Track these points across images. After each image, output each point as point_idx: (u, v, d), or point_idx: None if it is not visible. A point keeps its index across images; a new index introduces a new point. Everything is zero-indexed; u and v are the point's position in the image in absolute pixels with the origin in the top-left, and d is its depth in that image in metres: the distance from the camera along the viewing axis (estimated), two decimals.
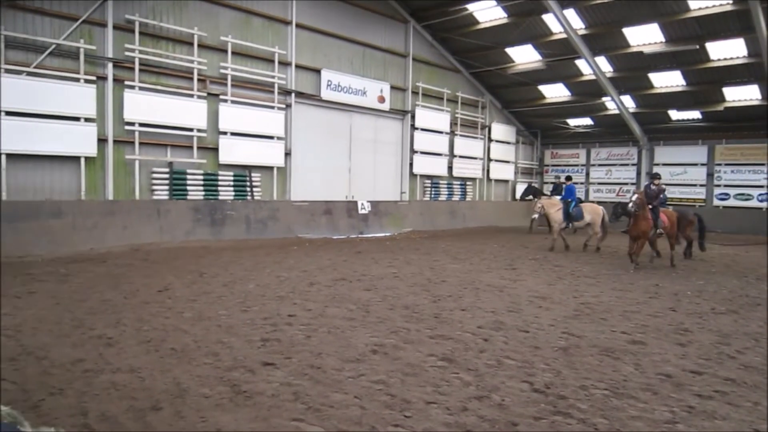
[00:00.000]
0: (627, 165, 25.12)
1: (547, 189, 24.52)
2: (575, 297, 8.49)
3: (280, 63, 16.32)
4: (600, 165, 25.93)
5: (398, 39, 20.21)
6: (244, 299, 7.80)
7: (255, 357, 5.18)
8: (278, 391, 4.33)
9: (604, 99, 22.10)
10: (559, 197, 16.54)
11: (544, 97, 24.06)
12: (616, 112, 21.97)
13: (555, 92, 23.55)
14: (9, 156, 11.76)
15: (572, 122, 25.68)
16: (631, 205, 11.71)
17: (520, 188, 25.49)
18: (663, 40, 18.22)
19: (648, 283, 9.90)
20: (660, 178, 12.57)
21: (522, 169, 27.00)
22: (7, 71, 11.68)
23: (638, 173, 24.50)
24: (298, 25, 16.75)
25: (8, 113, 11.65)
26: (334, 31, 17.86)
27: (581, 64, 20.45)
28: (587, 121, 25.17)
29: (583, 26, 18.53)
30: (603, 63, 20.05)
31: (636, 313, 7.50)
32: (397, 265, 11.51)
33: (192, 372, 4.73)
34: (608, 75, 20.22)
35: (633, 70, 20.39)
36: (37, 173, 12.33)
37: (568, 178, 16.83)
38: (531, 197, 20.43)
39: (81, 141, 12.71)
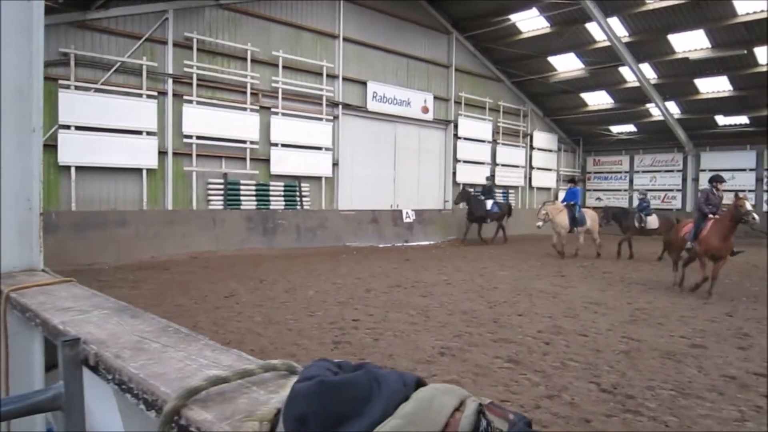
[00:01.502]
0: (672, 171, 24.79)
1: (538, 199, 24.48)
2: (629, 303, 8.61)
3: (328, 76, 16.82)
4: (644, 172, 25.65)
5: (441, 50, 20.54)
6: (308, 305, 8.18)
7: (330, 358, 5.51)
8: None
9: (648, 105, 21.97)
10: (562, 202, 15.90)
11: (586, 105, 24.02)
12: (661, 118, 21.81)
13: (597, 100, 23.50)
14: (78, 168, 12.49)
15: (615, 129, 25.51)
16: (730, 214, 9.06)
17: (563, 195, 25.42)
18: (709, 45, 18.09)
19: (701, 290, 9.90)
20: (724, 182, 10.11)
21: (564, 177, 26.90)
22: (77, 88, 12.43)
23: (683, 179, 24.18)
24: (345, 39, 17.25)
25: (78, 128, 12.39)
26: (380, 44, 18.31)
27: (625, 71, 20.41)
28: (630, 127, 24.97)
29: (627, 34, 18.53)
30: (647, 70, 19.95)
31: (693, 318, 7.59)
32: (447, 273, 11.76)
33: None
34: (652, 81, 20.12)
35: (678, 77, 20.22)
36: (104, 185, 13.04)
37: (572, 181, 16.70)
38: (464, 204, 18.39)
39: (143, 153, 13.39)
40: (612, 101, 23.14)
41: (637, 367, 5.33)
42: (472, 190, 19.28)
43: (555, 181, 26.21)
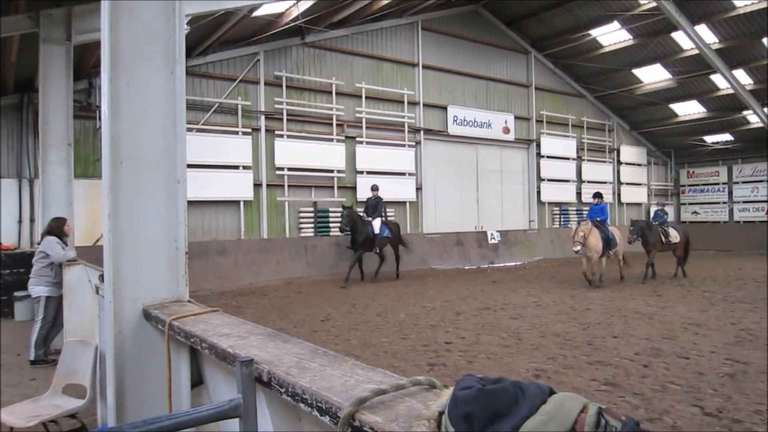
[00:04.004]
0: None
1: (628, 215, 23.17)
2: (733, 323, 8.24)
3: (409, 103, 17.30)
4: (744, 182, 24.17)
5: (520, 70, 20.55)
6: (400, 327, 8.45)
7: None
8: None
9: (745, 113, 20.83)
10: (591, 219, 13.19)
11: (676, 116, 23.08)
12: (760, 125, 20.58)
13: (688, 110, 22.53)
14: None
15: (709, 139, 24.27)
16: None
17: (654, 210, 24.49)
18: None
19: None
20: None
21: (656, 191, 25.85)
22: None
23: None
24: (424, 66, 17.69)
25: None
26: (458, 68, 18.62)
27: (717, 78, 19.51)
28: (726, 137, 23.68)
29: (717, 40, 17.77)
30: (742, 76, 18.98)
31: None
32: (536, 294, 11.69)
33: None
34: (748, 88, 19.10)
35: None
36: (205, 216, 14.03)
37: (597, 196, 13.83)
38: (348, 229, 14.00)
39: (240, 186, 14.33)
40: (704, 110, 22.12)
41: (744, 390, 5.17)
42: (360, 210, 14.84)
43: (646, 196, 25.24)
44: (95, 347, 3.94)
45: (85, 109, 12.07)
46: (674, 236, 13.80)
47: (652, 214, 17.40)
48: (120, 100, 2.69)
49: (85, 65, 11.47)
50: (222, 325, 2.30)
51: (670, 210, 26.03)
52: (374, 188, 14.59)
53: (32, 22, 7.88)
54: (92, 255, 8.52)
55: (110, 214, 2.66)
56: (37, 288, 7.02)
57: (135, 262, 2.72)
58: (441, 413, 1.01)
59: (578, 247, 12.37)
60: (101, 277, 4.72)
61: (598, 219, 13.11)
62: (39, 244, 7.49)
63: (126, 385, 2.63)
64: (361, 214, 14.38)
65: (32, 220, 12.00)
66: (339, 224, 14.10)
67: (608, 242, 12.79)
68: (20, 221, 12.03)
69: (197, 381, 2.86)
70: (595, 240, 12.54)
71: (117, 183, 2.65)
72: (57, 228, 7.30)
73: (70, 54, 8.22)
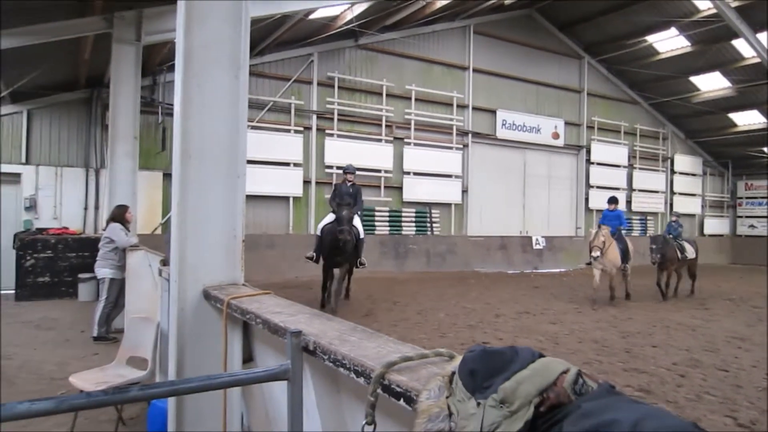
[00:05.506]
0: None
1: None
2: None
3: (458, 106, 17.42)
4: None
5: (572, 75, 20.35)
6: (439, 326, 8.65)
7: None
8: None
9: None
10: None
11: (735, 125, 22.35)
12: None
13: (748, 120, 21.77)
14: None
15: None
16: None
17: (711, 223, 23.95)
18: None
19: None
20: None
21: (711, 203, 25.08)
22: None
23: None
24: (474, 70, 17.77)
25: None
26: (508, 73, 18.60)
27: None
28: None
29: None
30: None
31: None
32: (578, 301, 11.66)
33: None
34: None
35: None
36: (257, 211, 14.54)
37: (613, 201, 12.49)
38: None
39: (290, 183, 14.80)
40: (765, 121, 21.34)
41: None
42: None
43: (700, 207, 24.52)
44: (157, 324, 4.32)
45: (149, 105, 12.75)
46: (690, 251, 12.62)
47: (665, 227, 14.63)
48: (191, 100, 3.01)
49: (151, 63, 12.12)
50: (274, 305, 2.59)
51: (726, 222, 25.30)
52: (350, 170, 10.36)
53: (106, 23, 8.47)
54: (150, 242, 9.04)
55: (179, 204, 2.99)
56: (103, 270, 7.56)
57: (198, 247, 3.04)
58: (453, 372, 1.24)
59: (597, 253, 10.92)
60: (163, 262, 5.14)
61: (621, 227, 11.94)
62: (104, 230, 8.06)
63: (186, 357, 2.95)
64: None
65: (97, 207, 12.75)
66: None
67: (625, 255, 11.53)
68: (86, 208, 12.79)
69: (248, 358, 3.18)
70: (614, 252, 11.20)
71: (186, 175, 2.98)
72: (120, 215, 7.84)
73: (140, 54, 8.80)
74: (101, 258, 7.62)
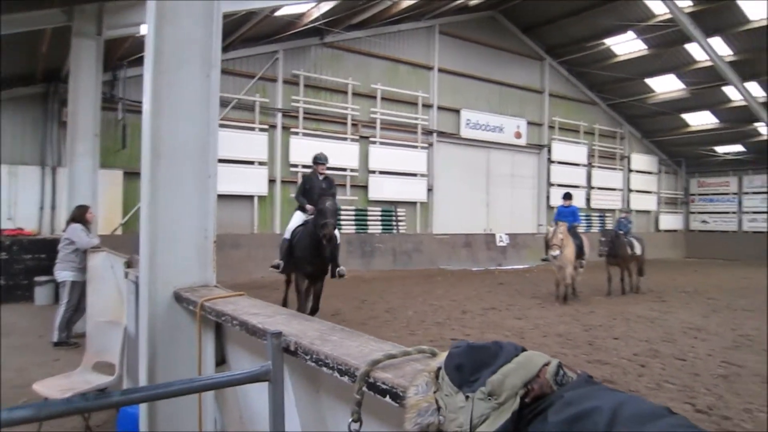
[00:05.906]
0: None
1: (638, 223, 23.20)
2: (733, 329, 8.43)
3: (423, 105, 17.56)
4: (755, 193, 24.21)
5: (534, 76, 20.75)
6: (408, 324, 8.72)
7: None
8: None
9: (756, 125, 20.88)
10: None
11: (688, 126, 23.18)
12: None
13: (700, 120, 22.63)
14: None
15: (720, 150, 24.35)
16: None
17: (665, 219, 24.72)
18: None
19: None
20: None
21: (665, 200, 25.93)
22: None
23: None
24: (440, 70, 17.95)
25: None
26: (473, 73, 18.84)
27: (729, 90, 19.60)
28: (738, 147, 23.74)
29: (731, 52, 17.88)
30: (754, 88, 19.03)
31: None
32: (542, 296, 11.90)
33: None
34: (760, 100, 19.14)
35: None
36: (221, 210, 14.24)
37: (567, 197, 12.13)
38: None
39: (255, 182, 14.66)
40: (716, 121, 22.20)
41: (736, 390, 5.38)
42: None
43: (656, 204, 25.33)
44: (123, 327, 4.23)
45: (108, 101, 12.40)
46: (638, 248, 12.62)
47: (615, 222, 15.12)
48: (161, 99, 2.96)
49: (111, 58, 11.80)
50: (250, 306, 2.58)
51: (679, 218, 26.20)
52: (321, 159, 8.93)
53: (66, 16, 8.22)
54: (111, 243, 8.80)
55: (149, 204, 2.94)
56: (63, 273, 7.35)
57: (169, 248, 2.99)
58: (439, 368, 1.28)
59: (556, 252, 10.57)
60: (127, 263, 5.03)
61: (576, 224, 11.70)
62: (64, 231, 7.83)
63: (158, 361, 2.90)
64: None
65: (53, 207, 12.36)
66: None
67: (580, 251, 11.29)
68: (42, 208, 12.38)
69: (220, 360, 3.15)
70: (570, 249, 10.92)
71: (156, 175, 2.93)
72: (80, 215, 7.63)
73: (101, 48, 8.57)
74: (61, 260, 7.40)
